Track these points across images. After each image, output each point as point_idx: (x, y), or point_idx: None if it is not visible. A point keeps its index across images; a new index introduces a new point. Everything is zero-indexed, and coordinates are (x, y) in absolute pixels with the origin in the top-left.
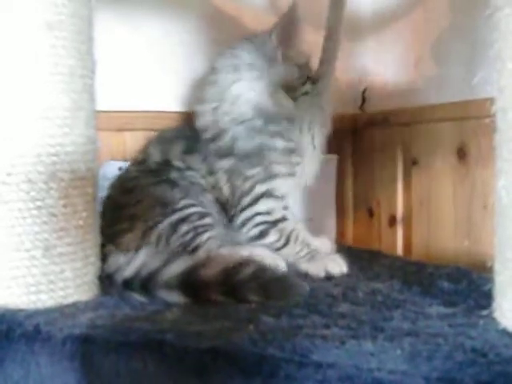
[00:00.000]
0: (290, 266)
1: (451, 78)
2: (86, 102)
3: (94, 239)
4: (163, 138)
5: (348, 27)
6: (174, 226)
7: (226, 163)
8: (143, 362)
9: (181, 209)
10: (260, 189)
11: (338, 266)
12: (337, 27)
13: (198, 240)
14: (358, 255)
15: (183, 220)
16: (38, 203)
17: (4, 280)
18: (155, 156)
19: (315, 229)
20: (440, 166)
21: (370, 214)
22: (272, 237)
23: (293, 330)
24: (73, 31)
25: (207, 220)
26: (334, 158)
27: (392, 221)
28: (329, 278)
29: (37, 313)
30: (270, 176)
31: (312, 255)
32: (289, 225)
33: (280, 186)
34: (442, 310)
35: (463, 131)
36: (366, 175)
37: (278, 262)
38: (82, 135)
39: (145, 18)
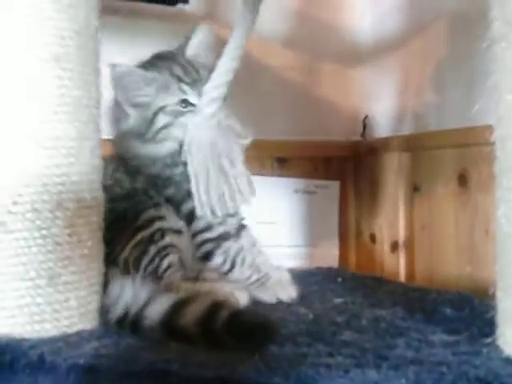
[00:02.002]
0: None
1: (451, 105)
2: (91, 132)
3: (98, 268)
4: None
5: (348, 55)
6: (138, 250)
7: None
8: None
9: (143, 226)
10: (187, 207)
11: (287, 292)
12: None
13: (160, 267)
14: (361, 281)
15: (148, 241)
16: (44, 232)
17: (8, 309)
18: None
19: (317, 255)
20: (441, 192)
21: (372, 239)
22: (217, 259)
23: (297, 358)
24: (79, 63)
25: (167, 239)
26: (336, 184)
27: (394, 246)
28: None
29: (41, 342)
30: (187, 193)
31: (262, 282)
32: (233, 246)
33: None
34: (446, 337)
35: (464, 158)
36: (368, 201)
37: (239, 297)
38: (88, 164)
39: (149, 46)
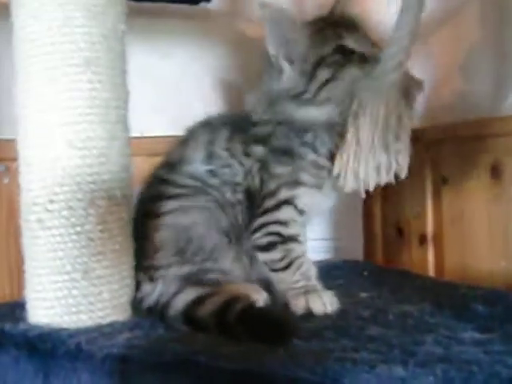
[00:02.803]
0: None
1: (483, 94)
2: (120, 132)
3: (129, 262)
4: (209, 127)
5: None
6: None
7: (259, 150)
8: (177, 381)
9: (192, 261)
10: (284, 194)
11: (325, 306)
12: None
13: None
14: (388, 275)
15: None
16: (78, 229)
17: (48, 300)
18: (194, 153)
19: (342, 248)
20: (472, 185)
21: (400, 232)
22: (276, 254)
23: (323, 353)
24: (108, 66)
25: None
26: None
27: (422, 239)
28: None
29: (78, 332)
30: (296, 182)
31: (307, 290)
32: (298, 249)
33: (303, 195)
34: (477, 335)
35: (497, 149)
36: (395, 194)
37: (258, 296)
38: (118, 163)
39: (174, 45)
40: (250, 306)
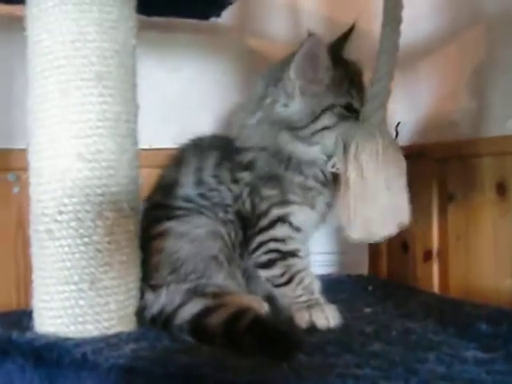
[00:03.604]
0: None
1: (489, 112)
2: (129, 145)
3: (135, 274)
4: (198, 151)
5: None
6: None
7: (246, 176)
8: None
9: (187, 280)
10: (276, 212)
11: (327, 321)
12: (392, 41)
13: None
14: (392, 291)
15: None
16: (86, 240)
17: (55, 310)
18: (184, 176)
19: (347, 263)
20: (478, 202)
21: (404, 248)
22: (277, 270)
23: (325, 368)
24: (119, 80)
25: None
26: None
27: (427, 255)
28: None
29: (84, 342)
30: (285, 201)
31: (310, 304)
32: (298, 263)
33: (296, 212)
34: (480, 354)
35: (503, 166)
36: None
37: (260, 307)
38: (126, 176)
39: (182, 59)
40: (259, 318)
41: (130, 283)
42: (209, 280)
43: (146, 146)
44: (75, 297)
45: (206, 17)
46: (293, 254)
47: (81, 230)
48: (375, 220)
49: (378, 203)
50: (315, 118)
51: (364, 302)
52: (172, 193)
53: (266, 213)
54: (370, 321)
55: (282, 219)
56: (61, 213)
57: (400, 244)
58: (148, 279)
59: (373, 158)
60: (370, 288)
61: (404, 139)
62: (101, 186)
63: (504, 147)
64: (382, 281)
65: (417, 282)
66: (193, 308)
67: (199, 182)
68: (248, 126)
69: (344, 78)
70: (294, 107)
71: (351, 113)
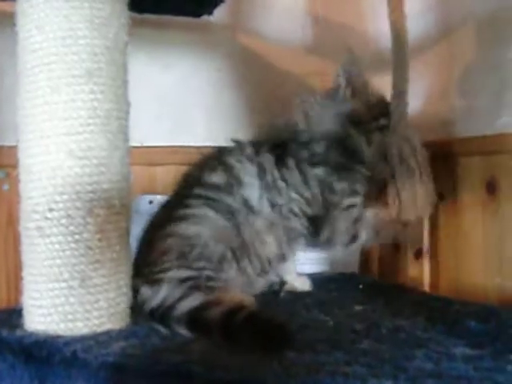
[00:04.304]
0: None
1: (479, 111)
2: (121, 142)
3: (126, 271)
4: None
5: (373, 60)
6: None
7: (319, 171)
8: None
9: (191, 267)
10: (346, 202)
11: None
12: (403, 60)
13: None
14: (383, 289)
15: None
16: (76, 237)
17: (45, 308)
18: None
19: (338, 261)
20: (468, 201)
21: (396, 247)
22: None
23: (315, 365)
24: (110, 77)
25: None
26: None
27: (418, 254)
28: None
29: (74, 340)
30: (354, 192)
31: None
32: None
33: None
34: (468, 351)
35: (493, 165)
36: None
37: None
38: (117, 173)
39: (174, 57)
40: (257, 312)
41: (121, 280)
42: (218, 273)
43: (137, 144)
44: (65, 294)
45: (197, 15)
46: None
47: (71, 227)
48: (419, 202)
49: (419, 190)
50: (375, 116)
51: (355, 300)
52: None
53: (337, 204)
54: (361, 319)
55: (351, 207)
56: (51, 210)
57: (391, 243)
58: (148, 265)
59: (412, 154)
60: (360, 286)
61: None
62: (92, 183)
63: (494, 146)
64: (373, 279)
65: (408, 281)
66: (192, 302)
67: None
68: (315, 113)
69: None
70: (348, 104)
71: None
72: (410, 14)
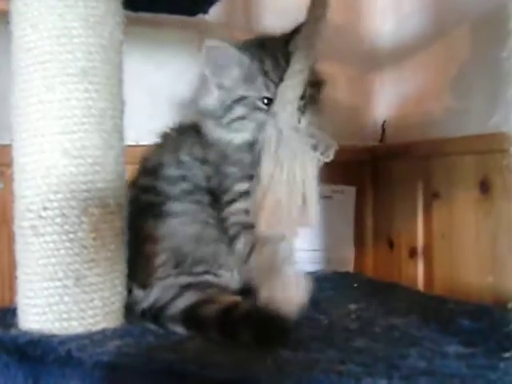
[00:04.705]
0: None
1: (473, 111)
2: (116, 141)
3: (121, 270)
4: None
5: (368, 59)
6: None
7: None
8: None
9: (191, 273)
10: (239, 187)
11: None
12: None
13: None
14: (377, 288)
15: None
16: (71, 236)
17: (40, 307)
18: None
19: (332, 260)
20: (462, 199)
21: (390, 245)
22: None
23: (309, 363)
24: (105, 76)
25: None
26: (352, 189)
27: (413, 252)
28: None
29: (68, 339)
30: (246, 176)
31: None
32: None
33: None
34: (461, 349)
35: (486, 164)
36: (386, 206)
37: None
38: (112, 172)
39: (169, 55)
40: (254, 308)
41: (116, 279)
42: (215, 277)
43: (133, 143)
44: (60, 293)
45: (193, 13)
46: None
47: (66, 227)
48: (282, 217)
49: (288, 201)
50: (228, 108)
51: (349, 298)
52: (158, 174)
53: (228, 189)
54: (355, 317)
55: (244, 194)
56: (45, 209)
57: (386, 241)
58: (140, 275)
59: (291, 157)
60: (355, 285)
61: (389, 137)
62: (86, 182)
63: (487, 145)
64: (367, 278)
65: (402, 279)
66: (186, 301)
67: (179, 162)
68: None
69: (259, 73)
70: (212, 99)
71: (269, 105)
72: (405, 14)
